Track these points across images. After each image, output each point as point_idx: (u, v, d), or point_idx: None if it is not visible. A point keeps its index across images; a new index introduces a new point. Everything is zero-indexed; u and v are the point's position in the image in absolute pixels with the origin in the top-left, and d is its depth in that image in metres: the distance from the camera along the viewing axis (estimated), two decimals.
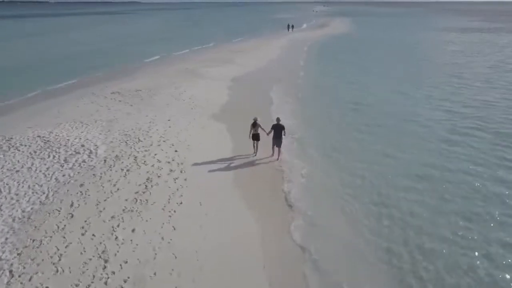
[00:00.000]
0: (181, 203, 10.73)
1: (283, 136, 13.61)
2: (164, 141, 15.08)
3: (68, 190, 11.10)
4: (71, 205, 10.35)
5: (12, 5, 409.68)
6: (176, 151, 14.24)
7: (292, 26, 67.88)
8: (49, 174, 11.97)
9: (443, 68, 31.35)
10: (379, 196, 11.32)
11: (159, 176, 12.22)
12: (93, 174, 12.07)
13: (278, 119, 13.72)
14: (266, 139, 13.88)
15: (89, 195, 10.90)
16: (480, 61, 34.34)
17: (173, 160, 13.47)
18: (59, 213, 10.00)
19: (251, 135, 13.91)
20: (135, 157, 13.46)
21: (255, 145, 14.08)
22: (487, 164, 13.28)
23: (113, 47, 47.23)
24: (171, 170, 12.68)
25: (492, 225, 9.92)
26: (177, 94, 22.17)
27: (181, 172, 12.63)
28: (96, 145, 14.18)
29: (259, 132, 13.84)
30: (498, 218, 10.14)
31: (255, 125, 13.80)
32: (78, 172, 12.17)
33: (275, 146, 13.78)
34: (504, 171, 12.75)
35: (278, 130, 13.43)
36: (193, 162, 13.32)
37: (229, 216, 10.27)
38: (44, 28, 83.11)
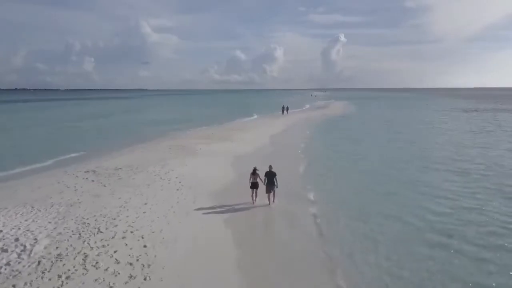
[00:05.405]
0: None
1: (275, 183, 14.26)
2: (131, 232, 11.52)
3: None
4: None
5: (25, 92, 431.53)
6: (145, 246, 10.63)
7: (287, 108, 66.36)
8: None
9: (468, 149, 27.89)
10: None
11: (111, 287, 8.46)
12: (13, 286, 8.29)
13: (270, 167, 14.60)
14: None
15: None
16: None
17: (137, 260, 9.78)
18: None
19: (250, 183, 14.43)
20: (85, 256, 9.78)
21: (254, 193, 14.43)
22: None
23: (111, 127, 45.37)
24: (131, 277, 8.94)
25: None
26: (163, 173, 19.01)
27: (145, 279, 8.89)
28: (36, 239, 10.55)
29: (258, 181, 14.34)
30: None
31: (254, 173, 14.40)
32: None
33: (268, 192, 14.36)
34: None
35: (270, 176, 14.20)
36: (166, 264, 9.64)
37: None
38: (44, 113, 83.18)
